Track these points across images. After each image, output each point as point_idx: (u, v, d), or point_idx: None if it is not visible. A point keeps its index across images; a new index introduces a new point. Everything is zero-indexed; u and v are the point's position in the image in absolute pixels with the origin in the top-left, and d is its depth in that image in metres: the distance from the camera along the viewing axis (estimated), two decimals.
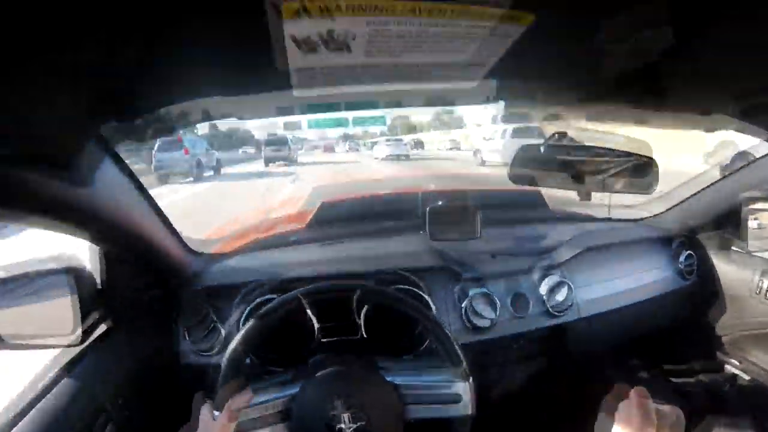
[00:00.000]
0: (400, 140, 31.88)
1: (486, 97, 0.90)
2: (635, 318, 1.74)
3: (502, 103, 0.97)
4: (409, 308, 1.08)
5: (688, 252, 1.85)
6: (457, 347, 1.06)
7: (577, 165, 1.29)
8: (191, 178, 18.14)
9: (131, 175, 1.07)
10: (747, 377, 1.78)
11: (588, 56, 0.70)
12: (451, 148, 38.13)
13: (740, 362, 1.83)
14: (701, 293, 1.88)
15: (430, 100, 0.88)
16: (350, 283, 1.13)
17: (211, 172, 21.10)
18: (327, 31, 0.53)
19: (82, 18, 0.47)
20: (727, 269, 1.83)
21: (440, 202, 1.60)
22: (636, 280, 1.77)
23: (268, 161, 26.34)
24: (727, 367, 1.88)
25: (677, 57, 0.74)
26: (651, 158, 1.34)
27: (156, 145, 18.03)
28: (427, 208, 1.57)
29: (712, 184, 1.81)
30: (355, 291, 1.11)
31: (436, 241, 1.58)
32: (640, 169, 1.33)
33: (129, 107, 0.74)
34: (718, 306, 1.85)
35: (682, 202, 1.96)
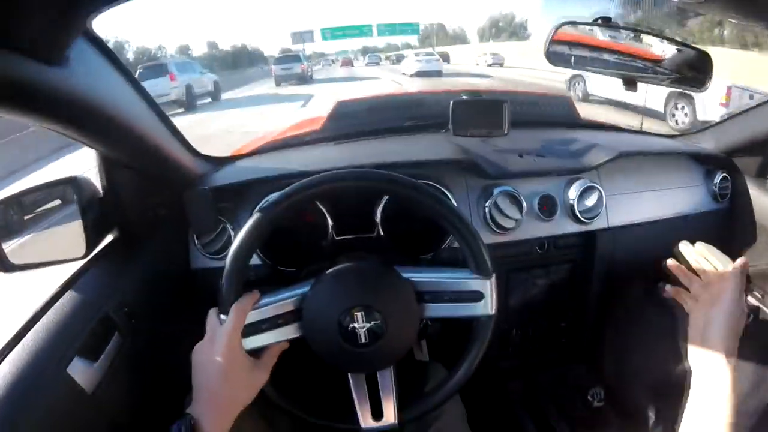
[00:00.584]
0: (432, 54, 29.61)
1: None
2: (663, 234, 1.64)
3: None
4: (433, 200, 0.98)
5: (724, 174, 1.75)
6: (483, 246, 0.98)
7: (625, 48, 1.18)
8: (181, 109, 16.38)
9: (126, 73, 1.00)
10: None
11: None
12: (492, 64, 34.11)
13: (762, 296, 1.74)
14: (733, 219, 1.79)
15: None
16: (367, 171, 1.02)
17: (208, 99, 19.33)
18: None
19: None
20: (761, 198, 1.73)
21: (465, 97, 1.50)
22: (668, 195, 1.69)
23: (278, 81, 26.58)
24: (750, 299, 1.81)
25: None
26: (706, 53, 1.23)
27: (136, 74, 16.82)
28: (451, 102, 1.46)
29: (754, 107, 1.68)
30: (372, 180, 1.00)
31: (460, 136, 1.49)
32: (694, 63, 1.23)
33: None
34: (748, 235, 1.75)
35: (721, 122, 1.85)
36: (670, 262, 1.05)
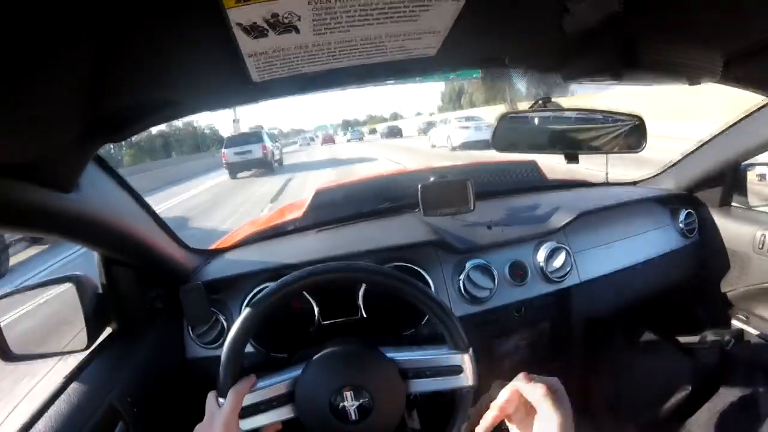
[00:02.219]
0: (479, 119, 21.27)
1: (450, 67, 0.90)
2: (637, 279, 1.74)
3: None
4: (404, 284, 1.07)
5: (688, 210, 1.85)
6: (456, 322, 1.06)
7: (562, 128, 1.29)
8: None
9: (128, 187, 1.12)
10: (754, 332, 1.77)
11: (553, 13, 0.69)
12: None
13: (746, 318, 1.82)
14: (703, 251, 1.88)
15: (391, 74, 0.87)
16: (342, 265, 1.12)
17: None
18: (270, 15, 0.54)
19: (66, 45, 0.50)
20: (728, 226, 1.82)
21: (432, 179, 1.60)
22: (636, 241, 1.77)
23: (233, 171, 20.33)
24: (734, 322, 1.87)
25: (660, 26, 0.74)
26: (638, 116, 1.34)
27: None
28: (419, 186, 1.57)
29: (707, 141, 1.80)
30: (348, 272, 1.09)
31: (429, 217, 1.59)
32: (628, 127, 1.33)
33: (124, 131, 0.80)
34: (721, 263, 1.84)
35: (678, 161, 1.96)
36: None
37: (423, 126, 45.20)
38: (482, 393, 1.15)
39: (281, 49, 0.63)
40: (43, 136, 0.63)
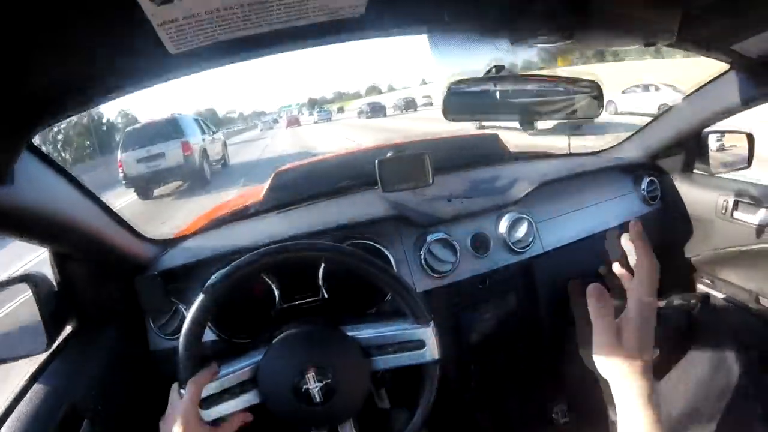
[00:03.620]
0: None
1: (383, 29, 0.86)
2: (601, 246, 1.72)
3: None
4: (359, 261, 1.06)
5: (650, 178, 1.87)
6: (415, 296, 1.06)
7: (516, 94, 1.26)
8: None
9: (70, 177, 1.07)
10: (719, 295, 1.81)
11: None
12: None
13: (711, 281, 1.85)
14: (667, 217, 1.90)
15: (318, 37, 0.82)
16: (296, 244, 1.10)
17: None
18: None
19: None
20: (691, 192, 1.84)
21: (389, 154, 1.58)
22: (599, 209, 1.79)
23: (133, 185, 12.90)
24: (699, 286, 1.91)
25: None
26: (595, 82, 1.32)
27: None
28: (376, 161, 1.55)
29: (668, 109, 1.82)
30: (302, 251, 1.08)
31: (389, 192, 1.57)
32: (585, 94, 1.31)
33: (44, 115, 0.77)
34: (685, 228, 1.87)
35: (640, 129, 1.98)
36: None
37: (400, 102, 41.52)
38: (448, 364, 1.13)
39: (191, 16, 0.59)
40: None
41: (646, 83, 16.43)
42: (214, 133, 16.45)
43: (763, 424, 1.32)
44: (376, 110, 39.76)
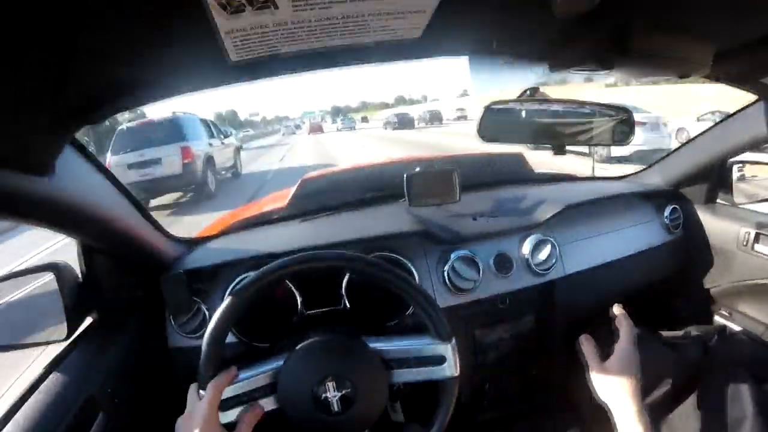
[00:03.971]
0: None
1: (436, 51, 0.88)
2: (622, 273, 1.75)
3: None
4: (387, 273, 1.07)
5: (673, 206, 1.86)
6: (439, 312, 1.06)
7: (550, 119, 1.28)
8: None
9: (105, 172, 1.10)
10: (736, 327, 1.79)
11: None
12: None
13: (729, 313, 1.84)
14: (688, 247, 1.89)
15: (375, 56, 0.85)
16: (326, 253, 1.11)
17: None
18: None
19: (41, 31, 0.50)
20: (713, 222, 1.84)
21: (418, 169, 1.59)
22: (621, 235, 1.78)
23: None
24: (716, 318, 1.90)
25: (652, 16, 0.73)
26: (625, 108, 1.34)
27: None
28: (405, 175, 1.56)
29: (695, 138, 1.82)
30: (331, 261, 1.09)
31: (415, 207, 1.58)
32: (616, 121, 1.33)
33: (99, 112, 0.79)
34: (706, 259, 1.86)
35: (665, 157, 1.98)
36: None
37: (425, 114, 39.67)
38: (463, 383, 1.15)
39: (259, 27, 0.61)
40: (15, 119, 0.62)
41: (722, 111, 14.50)
42: (225, 137, 14.46)
43: None
44: (404, 122, 37.63)
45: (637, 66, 0.93)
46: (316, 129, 49.05)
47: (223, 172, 13.65)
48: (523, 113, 1.30)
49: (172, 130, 11.19)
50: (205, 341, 0.96)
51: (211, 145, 12.54)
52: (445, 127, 32.47)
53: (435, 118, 38.90)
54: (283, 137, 48.49)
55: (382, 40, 0.73)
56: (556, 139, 1.32)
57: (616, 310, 1.27)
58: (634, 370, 1.08)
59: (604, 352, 1.13)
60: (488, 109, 1.31)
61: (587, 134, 1.34)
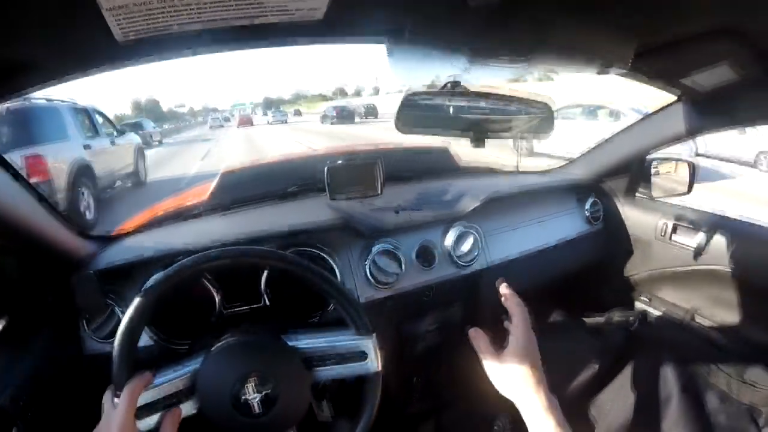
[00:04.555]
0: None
1: (341, 35, 0.86)
2: (546, 262, 1.80)
3: None
4: (302, 269, 1.05)
5: (594, 199, 1.94)
6: (359, 308, 1.06)
7: (470, 110, 1.27)
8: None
9: (6, 165, 1.04)
10: (656, 312, 1.89)
11: None
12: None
13: (649, 299, 1.94)
14: (608, 237, 1.98)
15: (274, 38, 0.81)
16: (239, 249, 1.08)
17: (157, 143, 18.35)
18: None
19: None
20: (633, 214, 1.93)
21: (339, 161, 1.57)
22: (544, 226, 1.83)
23: None
24: (637, 304, 1.99)
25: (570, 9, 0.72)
26: (545, 103, 1.35)
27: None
28: (325, 167, 1.53)
29: (617, 133, 1.89)
30: (245, 257, 1.06)
31: (336, 200, 1.55)
32: (537, 114, 1.34)
33: None
34: (626, 249, 1.95)
35: (588, 151, 2.05)
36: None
37: (360, 108, 36.99)
38: (390, 376, 1.13)
39: (142, 3, 0.57)
40: None
41: None
42: (118, 134, 10.16)
43: None
44: (344, 116, 34.51)
45: (554, 59, 0.93)
46: (246, 122, 47.18)
47: (116, 184, 9.94)
48: (443, 105, 1.29)
49: (20, 129, 6.85)
50: (116, 344, 0.91)
51: (88, 148, 8.35)
52: (383, 122, 29.45)
53: (370, 112, 37.27)
54: (210, 130, 43.97)
55: (281, 21, 0.69)
56: (476, 131, 1.31)
57: (503, 289, 1.13)
58: (532, 358, 0.98)
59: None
60: (405, 101, 1.29)
61: (507, 126, 1.34)
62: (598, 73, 1.00)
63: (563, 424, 0.88)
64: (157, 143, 23.26)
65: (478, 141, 1.32)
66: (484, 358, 1.03)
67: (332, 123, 33.87)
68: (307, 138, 22.77)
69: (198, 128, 51.46)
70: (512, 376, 0.96)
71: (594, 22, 0.82)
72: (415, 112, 1.30)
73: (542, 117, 1.35)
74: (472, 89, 1.27)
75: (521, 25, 0.80)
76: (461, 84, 1.25)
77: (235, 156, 17.90)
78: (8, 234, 1.08)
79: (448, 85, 1.25)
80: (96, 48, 0.73)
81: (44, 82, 0.79)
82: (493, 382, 1.00)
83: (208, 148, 21.90)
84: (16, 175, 1.08)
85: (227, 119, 62.56)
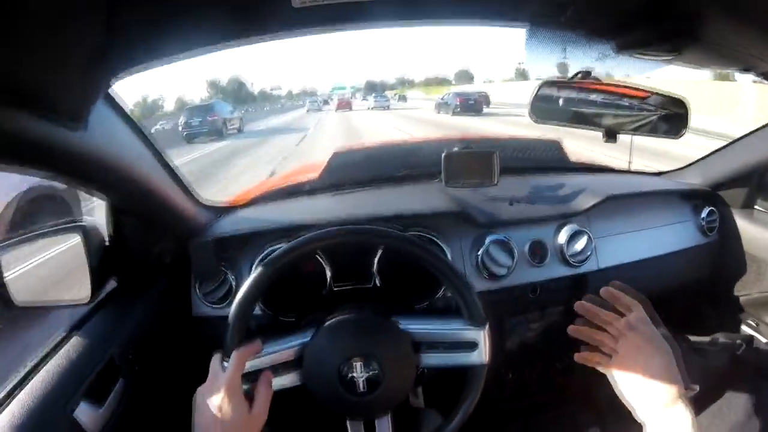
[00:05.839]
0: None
1: (500, 16, 0.85)
2: (654, 272, 1.71)
3: None
4: (425, 253, 1.04)
5: (711, 208, 1.81)
6: (475, 297, 1.03)
7: (603, 103, 1.24)
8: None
9: (139, 132, 1.07)
10: (763, 339, 1.76)
11: None
12: None
13: (756, 324, 1.81)
14: (722, 251, 1.85)
15: (438, 14, 0.81)
16: (362, 228, 1.10)
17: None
18: None
19: None
20: (749, 229, 1.79)
21: (456, 148, 1.55)
22: (656, 233, 1.74)
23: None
24: (744, 327, 1.86)
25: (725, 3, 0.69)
26: (682, 100, 1.29)
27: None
28: (443, 154, 1.52)
29: (737, 140, 1.77)
30: (367, 235, 1.07)
31: (451, 187, 1.54)
32: (669, 111, 1.29)
33: (135, 59, 0.77)
34: (739, 265, 1.81)
35: (705, 157, 1.92)
36: (572, 328, 1.04)
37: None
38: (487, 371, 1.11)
39: None
40: (52, 57, 0.59)
41: None
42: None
43: None
44: (469, 106, 26.33)
45: (704, 55, 0.90)
46: (344, 105, 45.01)
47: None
48: (575, 95, 1.26)
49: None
50: (232, 311, 0.95)
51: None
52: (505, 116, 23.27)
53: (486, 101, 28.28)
54: (307, 114, 43.46)
55: None
56: (608, 125, 1.28)
57: (618, 284, 1.03)
58: (664, 348, 0.90)
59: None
60: (542, 87, 1.27)
61: (637, 123, 1.29)
62: (743, 72, 0.96)
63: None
64: (234, 131, 22.03)
65: (610, 137, 1.28)
66: (601, 357, 0.97)
67: (454, 113, 26.26)
68: (409, 126, 21.21)
69: (292, 111, 50.68)
70: (647, 385, 0.86)
71: (750, 18, 0.78)
72: (548, 100, 1.28)
73: (676, 115, 1.30)
74: (605, 80, 1.25)
75: (676, 18, 0.77)
76: (593, 75, 1.23)
77: (330, 143, 15.21)
78: (137, 198, 1.13)
79: (579, 74, 1.22)
80: (271, 12, 0.75)
81: (214, 47, 0.83)
82: (618, 389, 0.92)
83: (300, 137, 19.70)
84: (152, 148, 1.14)
85: (326, 102, 61.71)
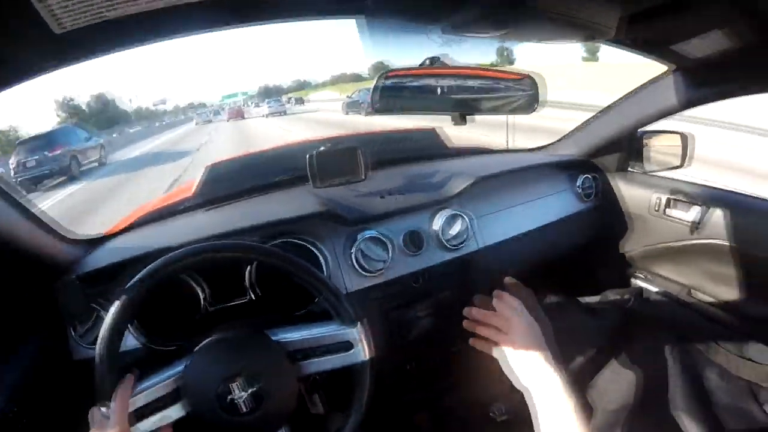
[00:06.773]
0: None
1: (297, 10, 0.80)
2: (539, 242, 1.77)
3: None
4: (283, 261, 1.04)
5: (585, 176, 1.90)
6: (341, 296, 1.05)
7: (451, 88, 1.23)
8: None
9: None
10: (653, 289, 1.86)
11: None
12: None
13: (645, 276, 1.91)
14: (602, 214, 1.94)
15: (224, 17, 0.75)
16: (221, 243, 1.07)
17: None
18: None
19: None
20: (626, 190, 1.90)
21: (321, 148, 1.53)
22: (535, 205, 1.80)
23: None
24: (633, 281, 1.97)
25: None
26: (530, 77, 1.30)
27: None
28: (307, 155, 1.50)
29: (606, 108, 1.85)
30: (228, 251, 1.04)
31: (320, 188, 1.53)
32: (520, 89, 1.29)
33: None
34: (620, 225, 1.93)
35: (578, 128, 2.01)
36: (467, 323, 1.24)
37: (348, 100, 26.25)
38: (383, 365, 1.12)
39: None
40: None
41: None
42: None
43: (700, 412, 1.35)
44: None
45: (535, 28, 0.89)
46: (236, 114, 41.52)
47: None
48: (422, 82, 1.24)
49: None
50: (98, 347, 0.89)
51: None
52: None
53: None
54: (197, 128, 38.39)
55: None
56: (457, 109, 1.27)
57: (507, 280, 1.28)
58: (540, 339, 1.06)
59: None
60: (383, 77, 1.24)
61: (489, 103, 1.30)
62: (583, 42, 0.97)
63: (581, 406, 0.90)
64: (94, 164, 17.00)
65: (459, 119, 1.28)
66: (495, 355, 1.10)
67: (368, 113, 21.95)
68: (312, 130, 19.64)
69: (180, 126, 46.02)
70: (523, 359, 1.01)
71: None
72: (392, 90, 1.25)
73: (527, 93, 1.30)
74: (453, 66, 1.23)
75: None
76: (440, 60, 1.21)
77: (225, 153, 14.71)
78: None
79: (427, 61, 1.21)
80: (34, 43, 0.69)
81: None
82: (503, 367, 1.06)
83: (189, 160, 16.01)
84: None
85: (217, 113, 57.63)
